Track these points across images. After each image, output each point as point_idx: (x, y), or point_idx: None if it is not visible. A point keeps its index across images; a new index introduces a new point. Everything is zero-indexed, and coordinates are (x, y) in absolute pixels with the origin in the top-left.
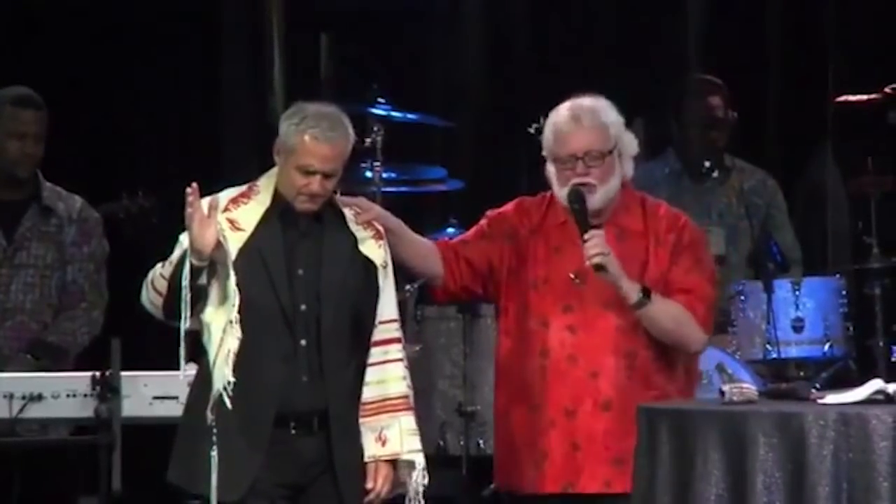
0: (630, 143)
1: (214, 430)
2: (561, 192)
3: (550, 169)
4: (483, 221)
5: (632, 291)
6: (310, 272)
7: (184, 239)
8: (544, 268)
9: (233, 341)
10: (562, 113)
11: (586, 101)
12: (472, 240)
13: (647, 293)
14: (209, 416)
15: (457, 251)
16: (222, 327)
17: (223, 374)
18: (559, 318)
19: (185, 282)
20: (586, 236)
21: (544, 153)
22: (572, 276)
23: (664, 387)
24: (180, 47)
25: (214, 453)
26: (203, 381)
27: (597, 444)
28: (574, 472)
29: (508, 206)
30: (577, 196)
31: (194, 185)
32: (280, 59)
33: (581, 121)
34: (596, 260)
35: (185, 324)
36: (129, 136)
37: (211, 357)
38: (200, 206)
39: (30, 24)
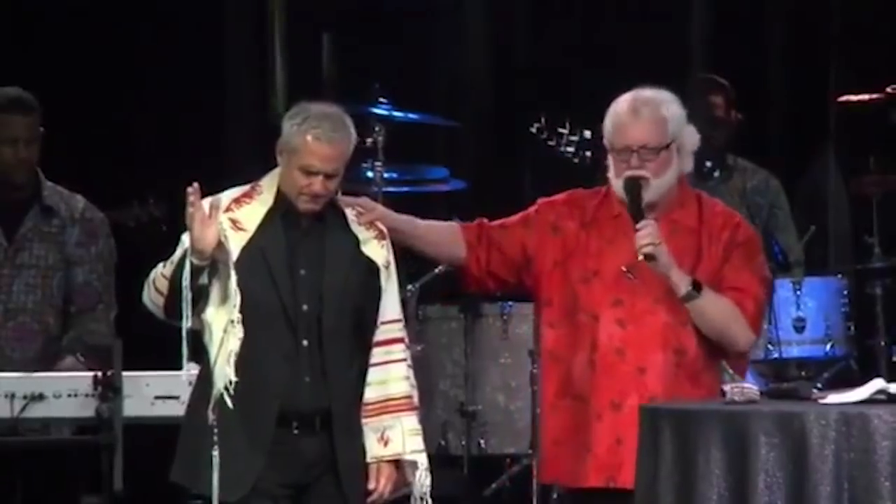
0: (691, 138)
1: (215, 430)
2: (616, 183)
3: (610, 170)
4: (532, 208)
5: (681, 283)
6: (312, 273)
7: (185, 238)
8: (595, 261)
9: (234, 341)
10: (622, 104)
11: (648, 93)
12: (512, 226)
13: (697, 286)
14: (210, 415)
15: (490, 236)
16: (223, 327)
17: (224, 374)
18: (609, 312)
19: (186, 282)
20: (639, 225)
21: (605, 142)
22: (624, 269)
23: (713, 386)
24: (182, 47)
25: (216, 453)
26: (204, 380)
27: None
28: (616, 467)
29: (561, 196)
30: (633, 186)
31: (195, 184)
32: (282, 59)
33: (640, 113)
34: (646, 250)
35: (186, 323)
36: (130, 136)
37: (212, 357)
38: (202, 205)
39: (28, 27)
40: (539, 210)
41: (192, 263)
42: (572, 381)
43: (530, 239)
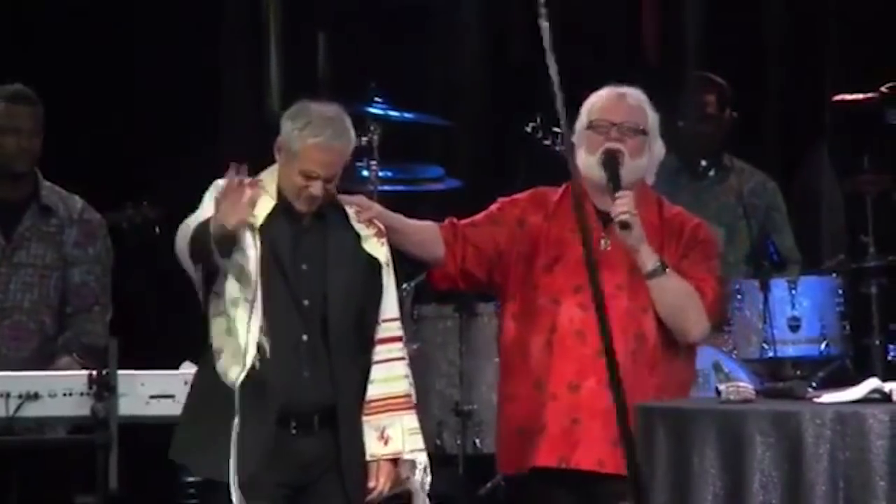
0: (659, 149)
1: (238, 406)
2: (589, 160)
3: (580, 153)
4: (494, 206)
5: (649, 259)
6: (313, 269)
7: (209, 204)
8: (557, 249)
9: (258, 316)
10: (605, 90)
11: (629, 88)
12: (482, 223)
13: (664, 265)
14: (237, 391)
15: (464, 234)
16: (247, 303)
17: (253, 344)
18: (571, 297)
19: (216, 252)
20: (617, 194)
21: (574, 137)
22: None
23: (667, 375)
24: (178, 47)
25: (236, 421)
26: (213, 360)
27: (596, 422)
28: (570, 447)
29: (523, 194)
30: (611, 158)
31: (244, 166)
32: (278, 58)
33: (625, 97)
34: (623, 217)
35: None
36: (126, 136)
37: (240, 332)
38: (238, 187)
39: (26, 28)
40: (502, 208)
41: (214, 234)
42: (529, 368)
43: (500, 235)
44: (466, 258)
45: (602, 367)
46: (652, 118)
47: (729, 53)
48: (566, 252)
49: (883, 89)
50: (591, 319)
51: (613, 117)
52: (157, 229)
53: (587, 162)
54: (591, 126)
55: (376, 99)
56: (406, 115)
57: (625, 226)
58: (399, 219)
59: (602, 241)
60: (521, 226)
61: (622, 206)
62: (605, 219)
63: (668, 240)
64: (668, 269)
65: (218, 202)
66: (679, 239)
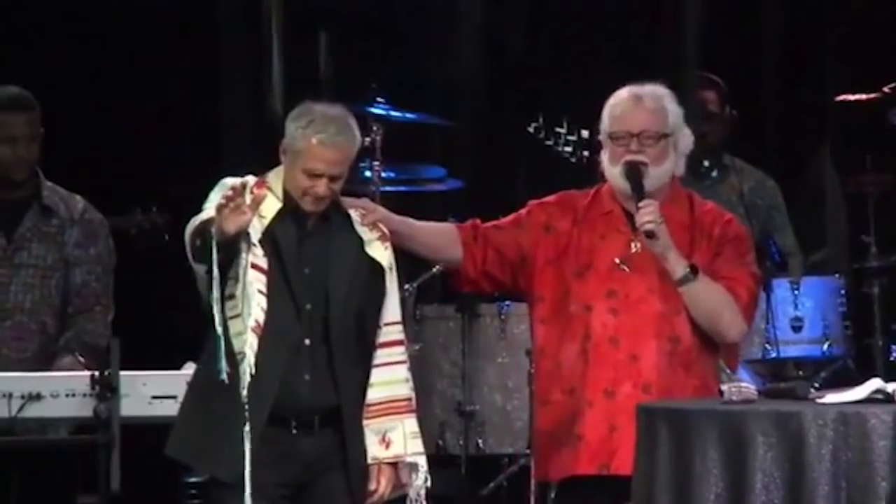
0: (685, 140)
1: (246, 406)
2: (613, 170)
3: (604, 156)
4: (523, 210)
5: (678, 265)
6: (316, 272)
7: (211, 207)
8: (588, 255)
9: (258, 312)
10: (623, 93)
11: (649, 87)
12: (506, 226)
13: (693, 270)
14: (243, 393)
15: (486, 237)
16: (250, 302)
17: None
18: (602, 302)
19: (214, 254)
20: (641, 204)
21: (600, 137)
22: (617, 261)
23: (706, 375)
24: (179, 47)
25: (247, 428)
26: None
27: (633, 426)
28: (609, 453)
29: (551, 198)
30: (634, 170)
31: (250, 179)
32: (279, 58)
33: (642, 101)
34: (648, 227)
35: (216, 283)
36: (128, 138)
37: (243, 328)
38: (237, 197)
39: (26, 27)
40: (530, 211)
41: (216, 239)
42: (563, 375)
43: (524, 239)
44: (487, 260)
45: (636, 372)
46: (674, 115)
47: (731, 53)
48: (597, 258)
49: (885, 89)
50: (623, 324)
51: (632, 127)
52: (167, 237)
53: (611, 171)
54: (611, 136)
55: (378, 99)
56: (408, 115)
57: (650, 235)
58: (405, 222)
59: (632, 245)
60: (548, 231)
61: (646, 215)
62: (635, 222)
63: (698, 238)
64: (698, 275)
65: (219, 207)
66: (710, 237)
